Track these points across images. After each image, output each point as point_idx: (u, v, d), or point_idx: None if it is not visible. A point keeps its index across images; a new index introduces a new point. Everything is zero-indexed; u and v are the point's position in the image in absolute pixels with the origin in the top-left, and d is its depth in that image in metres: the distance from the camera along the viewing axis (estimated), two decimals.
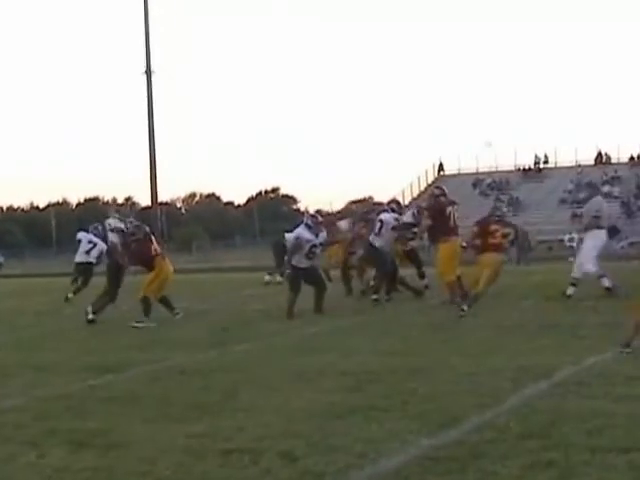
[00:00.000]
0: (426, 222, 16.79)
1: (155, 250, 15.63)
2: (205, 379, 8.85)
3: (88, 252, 20.42)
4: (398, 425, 6.40)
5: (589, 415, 6.44)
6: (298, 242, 15.67)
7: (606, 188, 58.19)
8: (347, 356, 10.06)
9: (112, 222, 16.96)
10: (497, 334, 11.54)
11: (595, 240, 16.99)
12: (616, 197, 56.91)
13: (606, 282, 16.54)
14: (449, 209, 16.58)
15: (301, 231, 15.83)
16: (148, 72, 49.74)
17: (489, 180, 66.49)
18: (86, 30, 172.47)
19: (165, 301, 15.80)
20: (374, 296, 16.77)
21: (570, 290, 16.51)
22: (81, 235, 20.91)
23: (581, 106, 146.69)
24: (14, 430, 6.87)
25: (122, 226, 16.45)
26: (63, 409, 7.61)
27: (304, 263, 15.63)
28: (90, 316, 15.58)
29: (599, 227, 17.06)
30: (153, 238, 15.88)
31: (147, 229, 16.11)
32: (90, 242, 20.41)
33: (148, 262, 15.44)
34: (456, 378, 8.26)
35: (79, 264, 20.80)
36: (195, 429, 6.52)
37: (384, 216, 17.36)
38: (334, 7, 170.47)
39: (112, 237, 16.75)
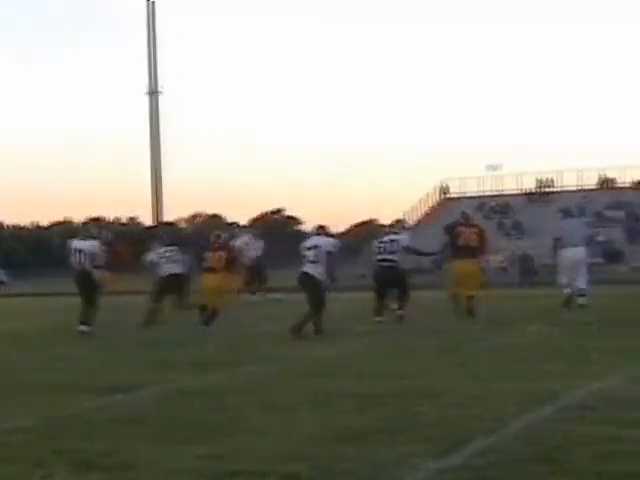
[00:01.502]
0: (442, 240, 17.36)
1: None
2: (214, 400, 8.85)
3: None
4: (406, 449, 6.41)
5: (596, 440, 6.45)
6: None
7: (610, 213, 58.25)
8: (355, 379, 10.07)
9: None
10: (504, 358, 11.54)
11: (560, 259, 19.46)
12: (620, 222, 56.88)
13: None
14: (460, 229, 16.93)
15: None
16: (154, 92, 49.99)
17: (493, 203, 66.49)
18: (92, 47, 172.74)
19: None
20: (400, 311, 17.14)
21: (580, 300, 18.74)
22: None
23: (586, 130, 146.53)
24: (20, 450, 6.86)
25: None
26: (70, 429, 7.62)
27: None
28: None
29: (562, 247, 19.28)
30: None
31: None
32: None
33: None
34: (464, 401, 8.27)
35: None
36: (203, 451, 6.52)
37: (396, 236, 17.55)
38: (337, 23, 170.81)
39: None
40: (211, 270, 17.08)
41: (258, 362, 12.09)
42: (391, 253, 17.35)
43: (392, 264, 17.35)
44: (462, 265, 16.95)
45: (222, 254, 17.14)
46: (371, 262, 18.66)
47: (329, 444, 6.66)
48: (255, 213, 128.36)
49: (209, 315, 16.93)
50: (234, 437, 7.01)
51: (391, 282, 17.49)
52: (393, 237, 17.57)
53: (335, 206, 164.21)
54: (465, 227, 17.27)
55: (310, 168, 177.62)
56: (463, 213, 18.16)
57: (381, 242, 17.66)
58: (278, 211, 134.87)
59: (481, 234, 17.38)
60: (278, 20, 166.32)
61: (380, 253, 17.57)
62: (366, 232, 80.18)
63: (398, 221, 20.41)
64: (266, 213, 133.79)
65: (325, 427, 7.28)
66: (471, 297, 16.81)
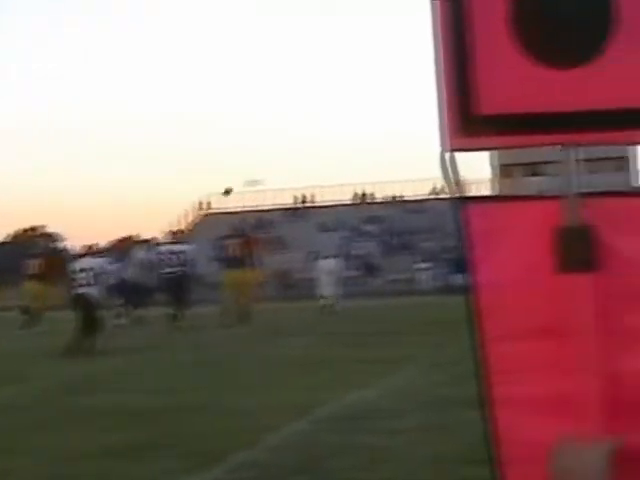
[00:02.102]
0: (212, 254, 18.52)
1: None
2: None
3: None
4: (170, 464, 6.39)
5: (356, 450, 6.61)
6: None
7: (366, 227, 60.03)
8: (122, 394, 9.99)
9: None
10: (268, 370, 11.73)
11: (316, 272, 23.00)
12: (375, 236, 58.70)
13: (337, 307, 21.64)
14: (229, 242, 17.73)
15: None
16: None
17: (253, 219, 67.18)
18: None
19: None
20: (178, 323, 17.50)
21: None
22: None
23: (343, 146, 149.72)
24: None
25: None
26: None
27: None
28: None
29: (317, 259, 22.68)
30: None
31: None
32: None
33: None
34: (229, 414, 8.33)
35: None
36: None
37: (184, 247, 18.30)
38: None
39: None
40: (32, 277, 19.00)
41: (22, 381, 11.82)
42: (181, 265, 17.67)
43: (181, 274, 17.74)
44: (234, 276, 17.49)
45: (42, 262, 19.11)
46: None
47: (93, 461, 6.57)
48: (12, 229, 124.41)
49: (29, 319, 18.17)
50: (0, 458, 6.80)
51: (176, 293, 17.87)
52: (181, 248, 17.98)
53: (97, 222, 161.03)
54: (233, 239, 17.91)
55: (71, 183, 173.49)
56: (231, 226, 18.87)
57: (170, 253, 17.97)
58: (36, 228, 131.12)
59: (249, 245, 18.02)
60: None
61: (168, 265, 17.80)
62: (128, 247, 79.23)
63: (175, 232, 21.06)
64: (25, 229, 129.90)
65: (90, 444, 7.18)
66: (244, 306, 17.34)
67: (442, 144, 2.35)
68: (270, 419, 7.99)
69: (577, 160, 2.40)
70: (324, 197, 69.32)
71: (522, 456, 2.40)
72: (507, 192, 55.68)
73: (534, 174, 60.33)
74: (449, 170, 2.35)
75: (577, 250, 2.32)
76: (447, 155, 2.35)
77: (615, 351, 2.34)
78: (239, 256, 17.89)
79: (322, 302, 23.23)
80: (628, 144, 2.53)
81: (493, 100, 2.34)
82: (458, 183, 2.36)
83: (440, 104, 2.35)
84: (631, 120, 2.34)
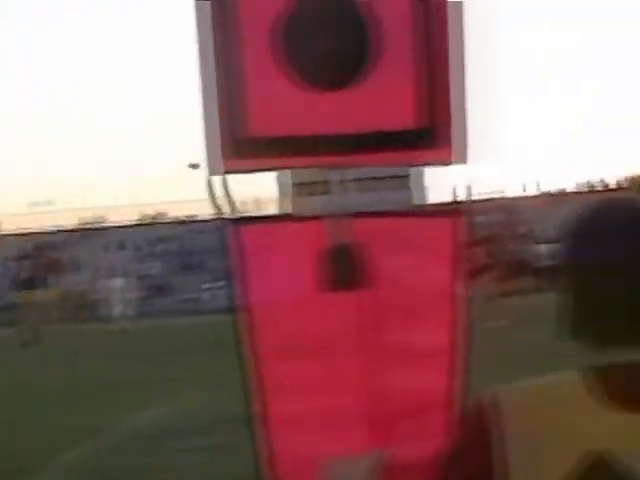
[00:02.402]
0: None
1: None
2: None
3: None
4: None
5: (148, 471, 6.60)
6: None
7: (155, 247, 59.61)
8: None
9: None
10: (60, 393, 11.58)
11: (104, 292, 23.19)
12: (164, 256, 58.37)
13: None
14: (17, 263, 18.02)
15: None
16: None
17: (44, 239, 65.50)
18: None
19: None
20: None
21: None
22: None
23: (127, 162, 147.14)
24: None
25: None
26: None
27: None
28: None
29: (112, 278, 23.00)
30: None
31: None
32: None
33: None
34: (20, 439, 8.18)
35: None
36: None
37: None
38: None
39: None
40: None
41: None
42: None
43: None
44: (26, 297, 17.51)
45: None
46: None
47: None
48: None
49: None
50: None
51: None
52: None
53: None
54: (25, 260, 18.04)
55: None
56: (22, 247, 18.90)
57: None
58: None
59: (41, 266, 18.16)
60: None
61: None
62: None
63: None
64: None
65: None
66: (36, 328, 17.40)
67: (209, 166, 2.36)
68: (61, 442, 7.88)
69: (343, 181, 2.47)
70: (113, 217, 68.40)
71: (296, 473, 2.44)
72: (297, 211, 56.44)
73: (323, 193, 61.18)
74: (215, 192, 2.37)
75: (341, 269, 2.38)
76: (218, 177, 2.37)
77: (382, 367, 2.41)
78: (31, 277, 17.80)
79: (111, 323, 23.04)
80: (387, 165, 2.62)
81: (261, 122, 2.37)
82: (231, 204, 2.39)
83: (208, 124, 2.35)
84: (390, 142, 2.43)
